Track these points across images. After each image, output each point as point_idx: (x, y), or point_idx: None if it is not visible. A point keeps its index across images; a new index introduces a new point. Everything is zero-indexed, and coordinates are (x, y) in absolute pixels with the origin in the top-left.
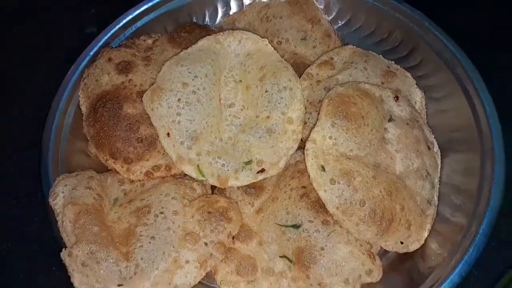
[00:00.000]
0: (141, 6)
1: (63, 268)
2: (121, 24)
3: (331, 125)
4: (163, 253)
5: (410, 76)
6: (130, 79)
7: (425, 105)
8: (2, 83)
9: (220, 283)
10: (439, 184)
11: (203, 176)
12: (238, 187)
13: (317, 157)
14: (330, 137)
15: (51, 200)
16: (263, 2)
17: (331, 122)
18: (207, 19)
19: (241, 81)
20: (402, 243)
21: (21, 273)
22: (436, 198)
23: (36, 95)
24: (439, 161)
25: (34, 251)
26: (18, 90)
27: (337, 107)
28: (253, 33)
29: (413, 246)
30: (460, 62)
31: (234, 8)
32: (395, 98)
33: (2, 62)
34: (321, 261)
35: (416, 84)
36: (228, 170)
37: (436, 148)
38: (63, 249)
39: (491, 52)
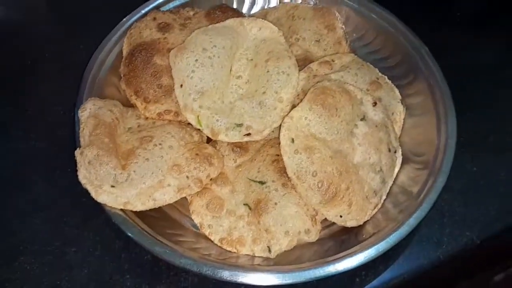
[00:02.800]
0: None
1: (74, 170)
2: None
3: (309, 108)
4: (152, 173)
5: (397, 92)
6: (166, 37)
7: (404, 119)
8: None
9: (192, 212)
10: (393, 184)
11: (200, 125)
12: (227, 144)
13: (290, 130)
14: (306, 118)
15: (80, 112)
16: (294, 3)
17: (309, 106)
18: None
19: (252, 59)
20: (341, 216)
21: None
22: (384, 192)
23: (95, 36)
24: (398, 165)
25: (57, 152)
26: (82, 31)
27: (318, 95)
28: (279, 26)
29: (350, 223)
30: (441, 89)
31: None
32: (373, 104)
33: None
34: (272, 213)
35: (401, 100)
36: (221, 125)
37: (398, 154)
38: (78, 149)
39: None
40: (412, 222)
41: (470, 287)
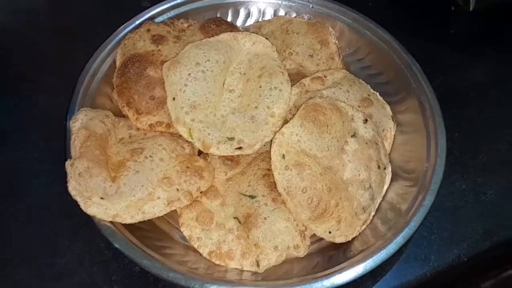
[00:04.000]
0: None
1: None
2: (169, 5)
3: (300, 125)
4: (142, 186)
5: (388, 109)
6: (159, 49)
7: (394, 135)
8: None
9: (181, 225)
10: (382, 201)
11: (192, 138)
12: (218, 157)
13: (281, 146)
14: (297, 134)
15: (71, 122)
16: (288, 17)
17: (301, 123)
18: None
19: (245, 74)
20: (330, 232)
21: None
22: (373, 209)
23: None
24: (387, 181)
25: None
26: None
27: (309, 112)
28: (273, 40)
29: (339, 239)
30: (431, 107)
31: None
32: (364, 121)
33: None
34: (261, 227)
35: (392, 117)
36: (212, 139)
37: (388, 170)
38: (68, 160)
39: None
40: (399, 240)
41: None
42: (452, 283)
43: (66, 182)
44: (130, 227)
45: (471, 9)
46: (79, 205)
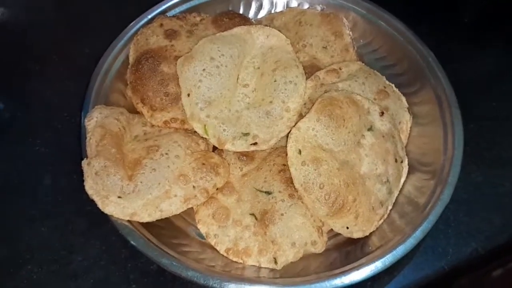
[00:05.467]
0: None
1: (80, 177)
2: None
3: (317, 119)
4: (159, 183)
5: (404, 101)
6: (173, 44)
7: (410, 127)
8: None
9: (198, 221)
10: (399, 194)
11: (207, 135)
12: (233, 153)
13: (297, 142)
14: (313, 129)
15: (86, 121)
16: (301, 8)
17: (317, 117)
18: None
19: (259, 68)
20: (347, 228)
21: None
22: (390, 203)
23: (100, 39)
24: (404, 175)
25: (63, 159)
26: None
27: (325, 107)
28: (286, 32)
29: (357, 234)
30: (448, 98)
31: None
32: (381, 114)
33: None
34: (278, 224)
35: (408, 109)
36: (227, 135)
37: (405, 163)
38: (84, 159)
39: None
40: (418, 235)
41: (467, 283)
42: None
43: (77, 179)
44: (146, 224)
45: None
46: (93, 202)
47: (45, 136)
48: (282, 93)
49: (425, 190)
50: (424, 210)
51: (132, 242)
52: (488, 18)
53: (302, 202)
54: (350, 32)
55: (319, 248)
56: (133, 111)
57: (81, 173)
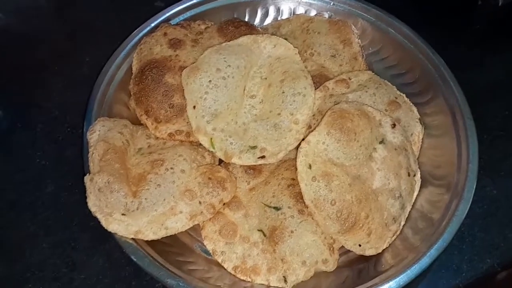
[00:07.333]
0: None
1: (83, 191)
2: (185, 5)
3: (327, 133)
4: (164, 199)
5: (415, 111)
6: (177, 54)
7: (422, 139)
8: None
9: (204, 238)
10: (412, 209)
11: (213, 148)
12: (240, 166)
13: (307, 156)
14: (323, 143)
15: (88, 134)
16: (308, 15)
17: (327, 131)
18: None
19: (266, 78)
20: (360, 245)
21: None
22: (403, 218)
23: (101, 49)
24: (416, 189)
25: (65, 172)
26: (87, 42)
27: (336, 120)
28: (292, 40)
29: (369, 251)
30: (461, 108)
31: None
32: (392, 126)
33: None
34: (288, 241)
35: (419, 119)
36: (234, 148)
37: (417, 177)
38: (87, 174)
39: None
40: (433, 253)
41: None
42: None
43: (79, 192)
44: (151, 241)
45: (500, 3)
46: (96, 218)
47: (45, 148)
48: (291, 105)
49: (439, 205)
50: (439, 227)
51: (137, 262)
52: (499, 24)
53: (313, 219)
54: (359, 41)
55: (331, 266)
56: (137, 122)
57: (83, 186)
